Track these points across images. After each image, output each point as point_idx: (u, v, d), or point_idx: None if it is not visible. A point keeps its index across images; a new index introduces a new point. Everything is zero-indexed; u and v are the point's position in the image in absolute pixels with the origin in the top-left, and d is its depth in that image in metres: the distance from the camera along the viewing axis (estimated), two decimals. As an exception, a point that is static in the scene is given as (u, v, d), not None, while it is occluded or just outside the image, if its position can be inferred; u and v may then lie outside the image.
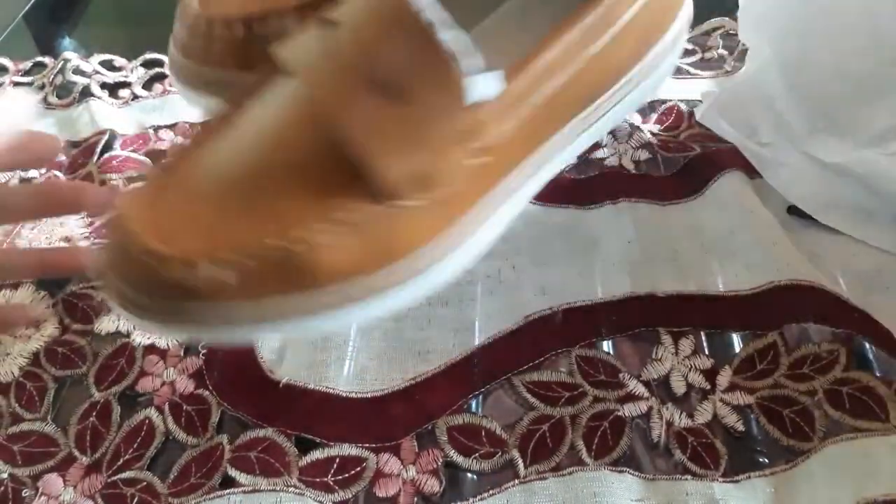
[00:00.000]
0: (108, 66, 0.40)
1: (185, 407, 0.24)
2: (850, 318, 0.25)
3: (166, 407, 0.24)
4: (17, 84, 0.39)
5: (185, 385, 0.25)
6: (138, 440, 0.24)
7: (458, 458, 0.22)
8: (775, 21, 0.30)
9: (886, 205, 0.28)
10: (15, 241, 0.31)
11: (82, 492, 0.23)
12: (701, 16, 0.39)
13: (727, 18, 0.39)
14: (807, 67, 0.29)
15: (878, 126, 0.28)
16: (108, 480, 0.23)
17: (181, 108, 0.37)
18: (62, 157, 0.35)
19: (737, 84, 0.32)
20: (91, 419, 0.24)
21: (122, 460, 0.23)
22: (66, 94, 0.38)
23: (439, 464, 0.22)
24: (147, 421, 0.24)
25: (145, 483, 0.23)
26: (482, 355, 0.25)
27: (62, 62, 0.39)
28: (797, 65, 0.30)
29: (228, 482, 0.22)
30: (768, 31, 0.31)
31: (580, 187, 0.30)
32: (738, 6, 0.33)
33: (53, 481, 0.23)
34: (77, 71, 0.38)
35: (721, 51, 0.38)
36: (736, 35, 0.37)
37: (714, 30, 0.39)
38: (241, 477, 0.22)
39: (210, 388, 0.25)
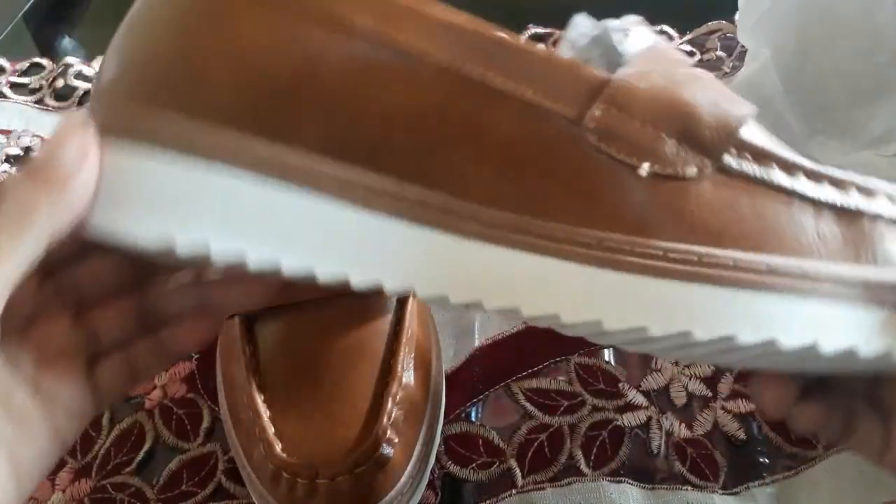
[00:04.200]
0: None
1: (175, 411, 0.24)
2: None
3: (157, 411, 0.24)
4: (13, 85, 0.39)
5: (177, 389, 0.25)
6: (128, 444, 0.23)
7: (455, 469, 0.22)
8: (774, 23, 0.30)
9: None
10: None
11: (71, 496, 0.22)
12: (700, 18, 0.39)
13: (725, 21, 0.39)
14: (805, 69, 0.29)
15: (876, 128, 0.28)
16: (98, 485, 0.22)
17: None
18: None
19: (735, 86, 0.32)
20: (81, 424, 0.24)
21: (111, 465, 0.23)
22: (66, 98, 0.38)
23: (436, 474, 0.22)
24: (137, 425, 0.24)
25: (135, 488, 0.22)
26: (481, 361, 0.25)
27: (63, 67, 0.39)
28: (796, 66, 0.29)
29: (222, 493, 0.22)
30: (767, 33, 0.31)
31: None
32: (736, 8, 0.33)
33: (42, 485, 0.23)
34: (79, 76, 0.38)
35: (720, 53, 0.38)
36: (734, 37, 0.37)
37: (712, 32, 0.39)
38: (236, 489, 0.22)
39: (202, 392, 0.24)
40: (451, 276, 0.13)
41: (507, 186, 0.13)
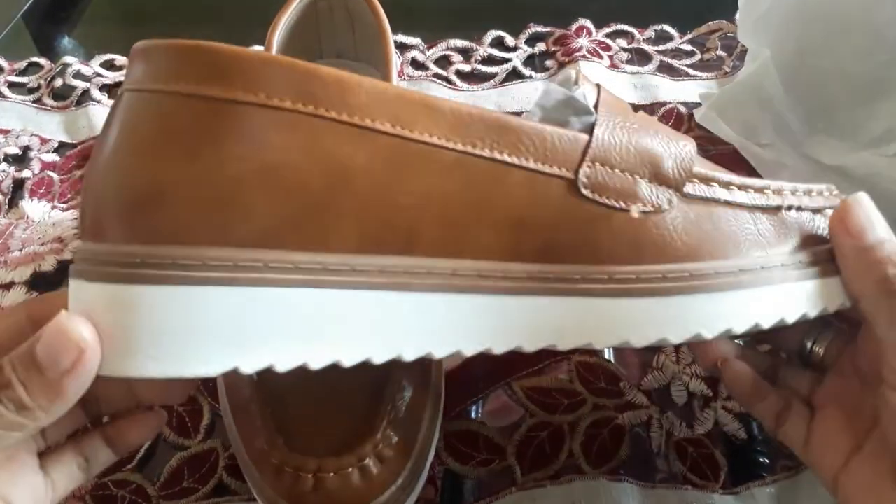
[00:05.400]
0: (110, 65, 0.39)
1: (176, 408, 0.24)
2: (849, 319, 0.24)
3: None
4: (11, 84, 0.39)
5: (178, 388, 0.25)
6: (129, 443, 0.23)
7: (456, 466, 0.22)
8: (774, 22, 0.30)
9: (885, 206, 0.27)
10: (8, 241, 0.30)
11: (73, 493, 0.22)
12: (700, 18, 0.39)
13: (725, 21, 0.39)
14: (806, 69, 0.29)
15: (876, 127, 0.28)
16: (99, 482, 0.22)
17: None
18: (57, 158, 0.34)
19: (736, 85, 0.32)
20: (82, 422, 0.24)
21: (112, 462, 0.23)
22: (65, 97, 0.38)
23: (436, 471, 0.22)
24: (138, 423, 0.24)
25: (136, 485, 0.22)
26: (482, 359, 0.24)
27: (62, 66, 0.39)
28: (796, 66, 0.29)
29: (223, 489, 0.22)
30: (767, 33, 0.31)
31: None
32: (736, 8, 0.33)
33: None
34: (77, 75, 0.38)
35: (720, 52, 0.38)
36: (734, 37, 0.37)
37: (713, 32, 0.39)
38: (237, 485, 0.22)
39: (202, 389, 0.24)
40: (491, 330, 0.15)
41: (524, 243, 0.15)
